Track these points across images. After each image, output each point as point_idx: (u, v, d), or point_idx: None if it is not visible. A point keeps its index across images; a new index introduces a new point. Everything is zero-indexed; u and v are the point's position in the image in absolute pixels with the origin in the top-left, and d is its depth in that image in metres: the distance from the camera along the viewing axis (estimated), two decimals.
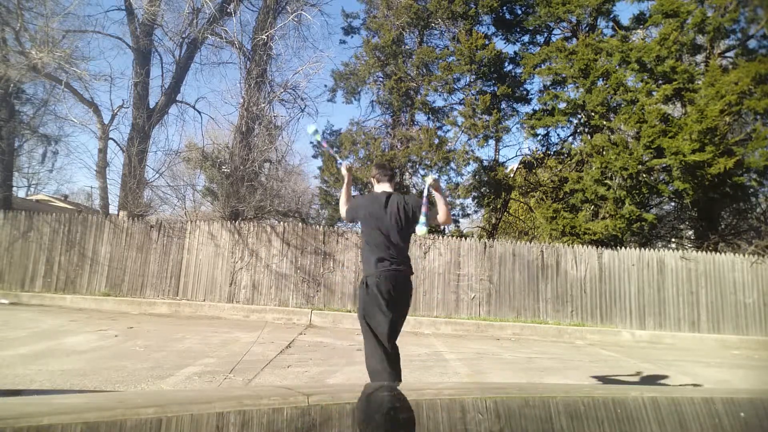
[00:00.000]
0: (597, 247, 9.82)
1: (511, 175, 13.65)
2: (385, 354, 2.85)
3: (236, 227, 9.72)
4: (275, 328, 7.84)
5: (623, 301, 9.51)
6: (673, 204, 12.85)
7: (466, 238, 10.16)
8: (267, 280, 9.50)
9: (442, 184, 12.52)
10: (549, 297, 9.54)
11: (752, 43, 11.39)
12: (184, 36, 12.72)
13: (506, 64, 13.16)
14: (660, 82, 10.68)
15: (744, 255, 9.78)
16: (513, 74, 13.15)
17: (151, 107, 12.65)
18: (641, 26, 12.03)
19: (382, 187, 3.21)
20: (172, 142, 37.57)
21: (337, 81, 13.51)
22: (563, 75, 11.60)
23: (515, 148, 45.38)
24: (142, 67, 12.28)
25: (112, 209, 12.37)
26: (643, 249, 9.89)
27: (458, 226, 13.04)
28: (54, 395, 1.27)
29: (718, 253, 9.86)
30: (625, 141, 10.58)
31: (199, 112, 14.33)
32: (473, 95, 12.52)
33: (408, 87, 12.51)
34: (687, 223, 13.15)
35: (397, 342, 2.98)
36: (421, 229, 2.90)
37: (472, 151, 12.32)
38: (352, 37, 15.32)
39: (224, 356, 5.17)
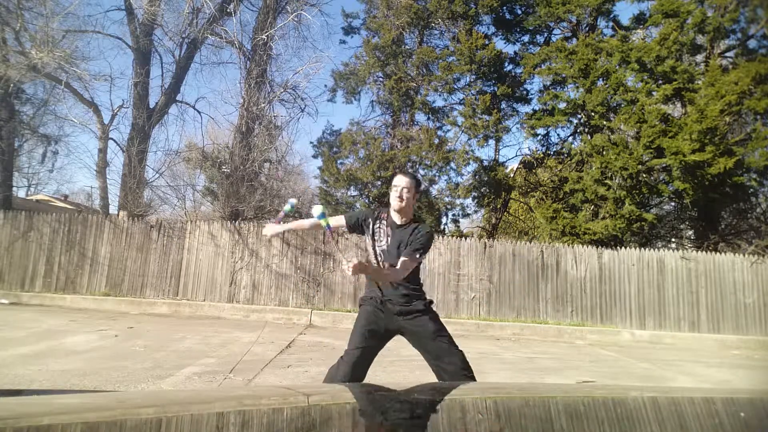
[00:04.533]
0: (597, 247, 9.81)
1: (511, 175, 13.64)
2: None
3: (236, 227, 9.71)
4: (275, 328, 7.84)
5: (623, 301, 9.50)
6: (673, 204, 12.84)
7: (466, 238, 10.16)
8: (267, 280, 9.49)
9: (442, 184, 12.52)
10: (549, 297, 9.54)
11: (752, 43, 11.41)
12: (184, 36, 12.74)
13: (506, 64, 13.15)
14: (660, 82, 10.67)
15: (744, 255, 9.77)
16: (513, 74, 13.14)
17: (151, 107, 12.66)
18: (641, 26, 12.02)
19: None
20: (172, 142, 37.64)
21: (337, 81, 13.50)
22: (563, 75, 11.59)
23: (515, 148, 45.18)
24: (142, 67, 12.29)
25: (112, 209, 12.40)
26: (643, 249, 9.88)
27: (458, 226, 13.04)
28: (54, 395, 1.27)
29: (718, 253, 9.85)
30: (625, 141, 10.57)
31: (199, 112, 14.30)
32: (473, 95, 12.51)
33: (408, 87, 12.51)
34: (687, 223, 13.15)
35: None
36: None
37: (472, 151, 12.32)
38: (352, 37, 15.29)
39: (224, 356, 5.17)
